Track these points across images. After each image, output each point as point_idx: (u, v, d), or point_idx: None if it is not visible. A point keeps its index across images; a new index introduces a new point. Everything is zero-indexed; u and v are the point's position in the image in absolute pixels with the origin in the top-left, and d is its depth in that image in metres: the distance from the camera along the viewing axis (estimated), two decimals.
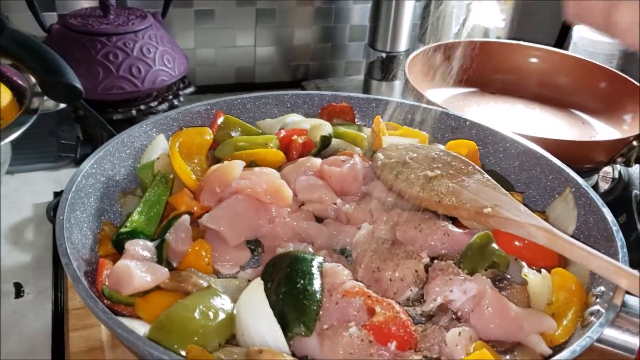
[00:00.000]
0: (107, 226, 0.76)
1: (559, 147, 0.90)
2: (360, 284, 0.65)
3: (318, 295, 0.63)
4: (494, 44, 1.33)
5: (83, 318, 0.87)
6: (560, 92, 1.25)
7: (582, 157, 0.97)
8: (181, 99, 1.53)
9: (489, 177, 0.77)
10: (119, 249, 0.71)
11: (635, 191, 1.08)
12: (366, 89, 1.74)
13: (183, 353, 0.57)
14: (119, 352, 0.82)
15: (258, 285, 0.61)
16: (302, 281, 0.64)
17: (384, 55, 1.69)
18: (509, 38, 1.64)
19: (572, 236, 0.76)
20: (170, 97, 1.52)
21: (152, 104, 1.47)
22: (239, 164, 0.79)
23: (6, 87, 1.19)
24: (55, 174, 1.34)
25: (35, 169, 1.35)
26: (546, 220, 0.82)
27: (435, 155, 0.82)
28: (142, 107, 1.45)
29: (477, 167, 0.79)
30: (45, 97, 1.16)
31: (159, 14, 1.53)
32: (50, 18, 1.48)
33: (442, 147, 0.89)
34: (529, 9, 1.74)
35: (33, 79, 1.18)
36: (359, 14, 1.82)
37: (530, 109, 1.23)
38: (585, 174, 1.03)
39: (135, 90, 1.39)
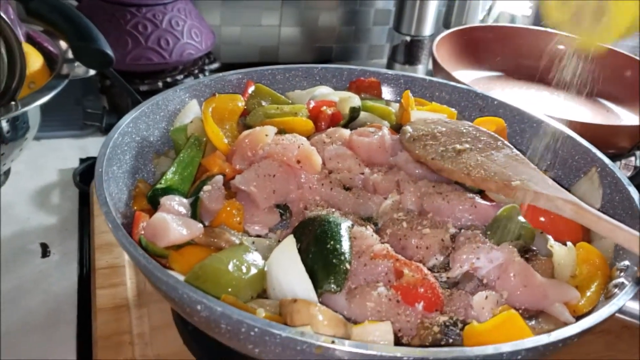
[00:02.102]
0: (142, 183, 0.78)
1: (583, 130, 0.91)
2: (389, 247, 0.67)
3: (347, 256, 0.65)
4: (520, 30, 1.33)
5: (110, 277, 0.90)
6: (585, 79, 1.25)
7: (606, 141, 0.98)
8: (206, 73, 1.55)
9: (518, 152, 0.78)
10: (153, 205, 0.73)
11: None
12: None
13: None
14: (144, 310, 0.84)
15: (291, 242, 0.63)
16: (331, 242, 0.65)
17: (408, 39, 1.70)
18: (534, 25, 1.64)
19: None
20: (196, 71, 1.54)
21: (178, 77, 1.49)
22: (271, 129, 0.80)
23: (38, 52, 1.21)
24: (80, 141, 1.36)
25: (61, 136, 1.38)
26: None
27: (464, 130, 0.83)
28: (168, 79, 1.47)
29: (505, 142, 0.80)
30: (75, 64, 1.18)
31: None
32: None
33: (469, 123, 0.90)
34: None
35: (64, 46, 1.21)
36: None
37: (555, 96, 1.24)
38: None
39: (162, 62, 1.41)
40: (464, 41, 1.24)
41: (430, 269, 0.71)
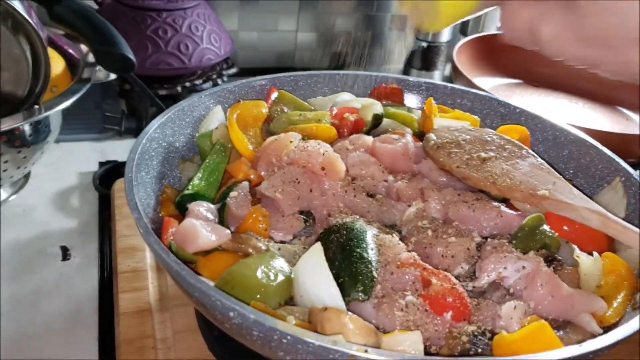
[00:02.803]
0: (169, 189, 0.78)
1: (603, 139, 0.91)
2: (416, 255, 0.67)
3: (375, 264, 0.65)
4: None
5: (132, 281, 0.90)
6: (604, 87, 1.25)
7: (626, 150, 0.98)
8: (225, 79, 1.56)
9: (543, 161, 0.78)
10: (181, 211, 0.73)
11: None
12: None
13: None
14: (167, 315, 0.85)
15: (319, 249, 0.63)
16: (358, 250, 0.66)
17: (425, 45, 1.70)
18: None
19: None
20: (214, 76, 1.54)
21: (197, 82, 1.50)
22: (296, 136, 0.81)
23: (60, 56, 1.22)
24: (99, 145, 1.37)
25: (80, 139, 1.39)
26: None
27: (489, 138, 0.83)
28: (187, 84, 1.48)
29: (530, 150, 0.80)
30: (97, 68, 1.19)
31: None
32: None
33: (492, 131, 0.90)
34: None
35: (85, 49, 1.22)
36: None
37: (574, 104, 1.24)
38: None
39: (182, 67, 1.42)
40: (484, 48, 1.25)
41: (456, 277, 0.71)
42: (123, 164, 1.26)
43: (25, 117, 0.98)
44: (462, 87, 1.01)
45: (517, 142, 0.82)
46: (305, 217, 0.78)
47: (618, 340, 0.54)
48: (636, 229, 0.65)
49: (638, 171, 1.09)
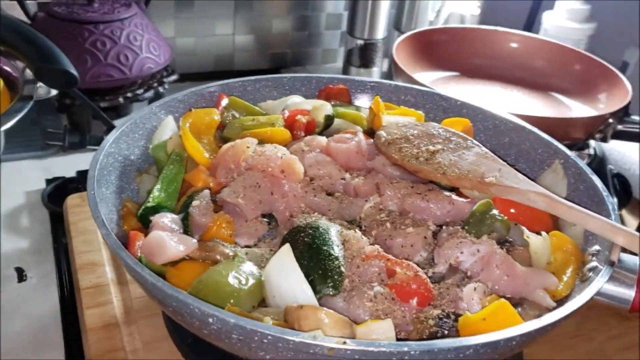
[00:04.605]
0: (129, 203, 0.78)
1: (540, 124, 0.97)
2: (379, 247, 0.70)
3: (341, 259, 0.68)
4: (474, 30, 1.39)
5: (96, 296, 0.90)
6: (537, 75, 1.32)
7: (562, 133, 1.04)
8: (166, 86, 1.55)
9: (487, 150, 0.83)
10: (144, 224, 0.74)
11: (610, 166, 1.16)
12: (345, 74, 1.78)
13: None
14: (134, 327, 0.85)
15: (288, 250, 0.65)
16: (325, 247, 0.68)
17: (362, 42, 1.74)
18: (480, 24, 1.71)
19: None
20: (155, 84, 1.54)
21: (138, 92, 1.49)
22: (253, 141, 0.82)
23: None
24: (43, 162, 1.35)
25: (23, 157, 1.36)
26: None
27: (435, 132, 0.87)
28: (129, 94, 1.47)
29: (474, 141, 0.85)
30: (37, 85, 1.17)
31: (142, 2, 1.55)
32: (31, 6, 1.47)
33: (437, 124, 0.94)
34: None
35: (22, 66, 1.19)
36: (334, 2, 1.86)
37: (509, 92, 1.30)
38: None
39: (123, 78, 1.41)
40: (421, 44, 1.29)
41: (416, 265, 0.75)
42: (71, 179, 1.26)
43: None
44: (405, 84, 1.05)
45: (461, 133, 0.86)
46: (267, 220, 0.80)
47: (573, 311, 0.58)
48: (580, 208, 0.70)
49: (575, 152, 1.17)
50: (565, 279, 0.70)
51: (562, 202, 0.72)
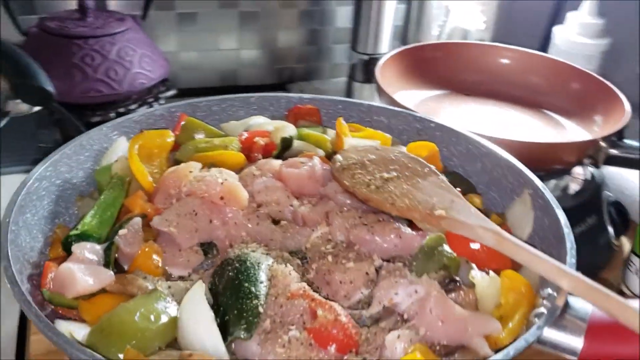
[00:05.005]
0: (60, 229, 0.76)
1: (526, 149, 0.90)
2: (306, 286, 0.65)
3: (262, 299, 0.63)
4: (465, 45, 1.32)
5: None
6: (532, 92, 1.24)
7: (550, 158, 0.97)
8: (162, 101, 1.53)
9: (444, 179, 0.77)
10: (68, 252, 0.70)
11: (606, 192, 1.08)
12: (349, 91, 1.74)
13: (121, 356, 0.57)
14: None
15: (199, 287, 0.61)
16: (246, 283, 0.64)
17: (366, 57, 1.69)
18: (492, 40, 1.63)
19: (528, 239, 0.76)
20: (151, 100, 1.52)
21: (132, 107, 1.47)
22: (195, 166, 0.79)
23: None
24: None
25: (15, 171, 1.36)
26: (503, 222, 0.81)
27: (394, 157, 0.81)
28: (122, 109, 1.45)
29: (433, 168, 0.79)
30: (18, 100, 1.17)
31: (139, 17, 1.54)
32: (31, 21, 1.48)
33: (402, 148, 0.89)
34: (512, 12, 1.74)
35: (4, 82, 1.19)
36: (344, 16, 1.81)
37: (503, 110, 1.22)
38: (555, 175, 1.02)
39: (113, 93, 1.40)
40: (413, 60, 1.23)
41: (357, 303, 0.69)
42: None
43: None
44: (378, 104, 0.99)
45: (420, 160, 0.80)
46: (206, 250, 0.76)
47: None
48: (529, 248, 0.64)
49: (568, 177, 1.09)
50: (510, 325, 0.64)
51: (510, 240, 0.65)
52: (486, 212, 0.83)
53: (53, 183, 0.78)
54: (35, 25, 1.43)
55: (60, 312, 0.65)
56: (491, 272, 0.68)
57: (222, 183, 0.76)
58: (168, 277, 0.72)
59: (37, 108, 1.24)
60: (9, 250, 0.61)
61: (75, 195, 0.82)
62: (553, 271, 0.60)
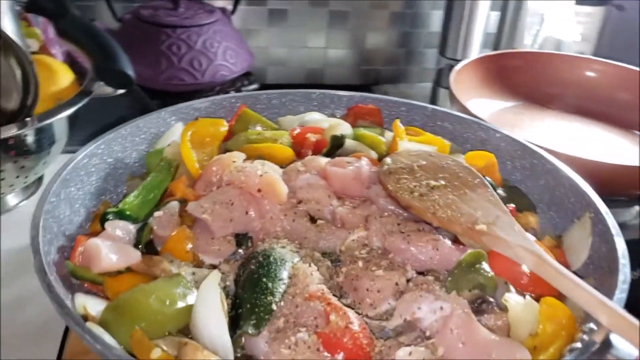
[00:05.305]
0: (104, 206, 0.77)
1: (598, 170, 0.83)
2: (325, 288, 0.62)
3: (278, 296, 0.61)
4: (548, 55, 1.23)
5: None
6: (620, 109, 1.14)
7: (625, 183, 0.88)
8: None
9: (493, 192, 0.72)
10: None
11: None
12: (434, 96, 1.68)
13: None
14: None
15: (214, 276, 0.60)
16: (265, 279, 0.62)
17: (453, 63, 1.62)
18: (594, 54, 1.52)
19: (582, 266, 0.70)
20: (233, 92, 1.55)
21: None
22: (239, 156, 0.78)
23: (69, 70, 1.26)
24: None
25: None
26: (558, 245, 0.75)
27: (445, 165, 0.77)
28: None
29: (485, 180, 0.74)
30: (102, 82, 1.22)
31: (229, 10, 1.57)
32: (129, 9, 1.55)
33: (460, 157, 0.84)
34: (621, 25, 1.61)
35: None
36: (438, 20, 1.76)
37: (585, 126, 1.13)
38: (628, 202, 0.93)
39: (195, 83, 1.43)
40: (492, 68, 1.17)
41: (384, 314, 0.66)
42: None
43: (9, 130, 1.01)
44: (443, 109, 0.94)
45: (473, 170, 0.75)
46: (241, 241, 0.75)
47: None
48: (571, 276, 0.58)
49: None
50: (543, 358, 0.58)
51: (552, 264, 0.59)
52: (541, 233, 0.77)
53: (104, 161, 0.80)
54: (130, 12, 1.50)
55: (86, 286, 0.67)
56: (528, 297, 0.62)
57: (261, 175, 0.75)
58: (200, 264, 0.72)
59: (120, 91, 1.29)
60: (42, 220, 0.63)
61: (126, 175, 0.84)
62: (593, 303, 0.54)
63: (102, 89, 1.23)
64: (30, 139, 1.06)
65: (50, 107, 1.10)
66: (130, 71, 1.19)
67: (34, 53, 1.25)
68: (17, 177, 1.11)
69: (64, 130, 1.16)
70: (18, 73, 1.05)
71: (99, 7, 1.55)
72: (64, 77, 1.24)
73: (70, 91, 1.21)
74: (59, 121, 1.07)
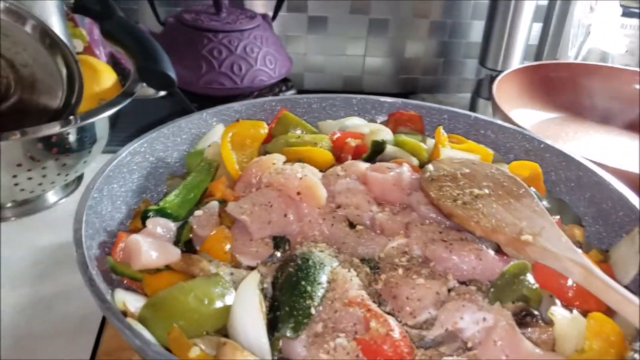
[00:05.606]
0: (145, 203, 0.78)
1: None
2: (365, 294, 0.61)
3: (317, 300, 0.60)
4: (594, 67, 1.21)
5: None
6: None
7: None
8: None
9: (539, 203, 0.70)
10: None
11: None
12: (473, 107, 1.66)
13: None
14: None
15: (253, 277, 0.60)
16: (303, 282, 0.62)
17: (494, 74, 1.60)
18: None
19: (630, 283, 0.67)
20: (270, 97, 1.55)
21: None
22: (279, 158, 0.78)
23: (112, 71, 1.28)
24: None
25: None
26: (605, 260, 0.73)
27: (489, 173, 0.76)
28: None
29: (530, 190, 0.72)
30: (145, 84, 1.23)
31: (270, 16, 1.57)
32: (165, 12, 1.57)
33: (504, 166, 0.82)
34: None
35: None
36: (479, 30, 1.74)
37: (633, 141, 1.10)
38: None
39: (234, 87, 1.44)
40: (536, 79, 1.15)
41: (424, 323, 0.64)
42: None
43: (52, 127, 1.02)
44: (486, 118, 0.93)
45: (518, 179, 0.74)
46: (279, 243, 0.75)
47: None
48: (620, 289, 0.56)
49: None
50: None
51: (600, 277, 0.57)
52: (587, 247, 0.75)
53: (146, 159, 0.80)
54: (173, 16, 1.51)
55: (125, 282, 0.67)
56: (575, 312, 0.60)
57: (300, 178, 0.74)
58: (237, 265, 0.71)
59: (162, 93, 1.30)
60: (85, 215, 0.64)
61: (166, 174, 0.84)
62: None
63: (145, 90, 1.24)
64: (72, 137, 1.08)
65: (93, 106, 1.12)
66: (172, 73, 1.21)
67: (78, 53, 1.27)
68: (59, 174, 1.13)
69: (106, 130, 1.18)
70: (64, 72, 1.07)
71: (142, 10, 1.57)
72: (108, 78, 1.26)
73: (113, 92, 1.22)
74: (101, 121, 1.09)
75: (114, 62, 1.34)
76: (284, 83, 1.61)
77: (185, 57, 1.43)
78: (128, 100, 1.16)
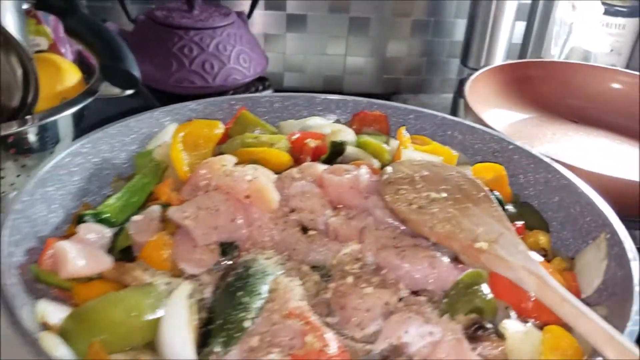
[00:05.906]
0: (84, 207, 0.74)
1: (618, 187, 0.76)
2: (305, 305, 0.57)
3: (253, 313, 0.56)
4: (572, 66, 1.17)
5: None
6: None
7: None
8: None
9: (498, 207, 0.66)
10: None
11: None
12: (455, 107, 1.62)
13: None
14: None
15: (183, 289, 0.56)
16: (240, 293, 0.58)
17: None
18: (625, 67, 1.44)
19: (595, 292, 0.63)
20: None
21: None
22: (229, 159, 0.73)
23: (77, 69, 1.24)
24: None
25: None
26: (570, 268, 0.68)
27: (448, 176, 0.71)
28: None
29: (490, 194, 0.68)
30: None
31: (245, 13, 1.53)
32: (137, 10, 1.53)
33: (467, 168, 0.78)
34: None
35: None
36: (461, 29, 1.70)
37: (610, 142, 1.06)
38: None
39: (205, 86, 1.40)
40: (512, 78, 1.11)
41: (371, 335, 0.60)
42: None
43: (8, 127, 0.98)
44: (454, 118, 0.89)
45: (478, 183, 0.70)
46: (227, 250, 0.71)
47: None
48: (576, 302, 0.52)
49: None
50: None
51: (554, 288, 0.53)
52: (552, 254, 0.71)
53: (89, 160, 0.76)
54: (145, 13, 1.47)
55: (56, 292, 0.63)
56: (529, 325, 0.56)
57: (249, 180, 0.70)
58: (179, 274, 0.67)
59: (127, 92, 1.26)
60: (11, 220, 0.59)
61: (113, 176, 0.80)
62: (599, 335, 0.48)
63: (109, 89, 1.20)
64: (31, 137, 1.04)
65: (55, 105, 1.07)
66: (136, 72, 1.17)
67: (42, 51, 1.23)
68: (18, 175, 1.08)
69: (69, 129, 1.13)
70: (19, 71, 1.02)
71: (115, 8, 1.53)
72: (71, 76, 1.21)
73: (77, 90, 1.18)
74: (64, 120, 1.05)
75: (80, 61, 1.30)
76: (261, 82, 1.57)
77: (156, 55, 1.39)
78: (90, 99, 1.12)
